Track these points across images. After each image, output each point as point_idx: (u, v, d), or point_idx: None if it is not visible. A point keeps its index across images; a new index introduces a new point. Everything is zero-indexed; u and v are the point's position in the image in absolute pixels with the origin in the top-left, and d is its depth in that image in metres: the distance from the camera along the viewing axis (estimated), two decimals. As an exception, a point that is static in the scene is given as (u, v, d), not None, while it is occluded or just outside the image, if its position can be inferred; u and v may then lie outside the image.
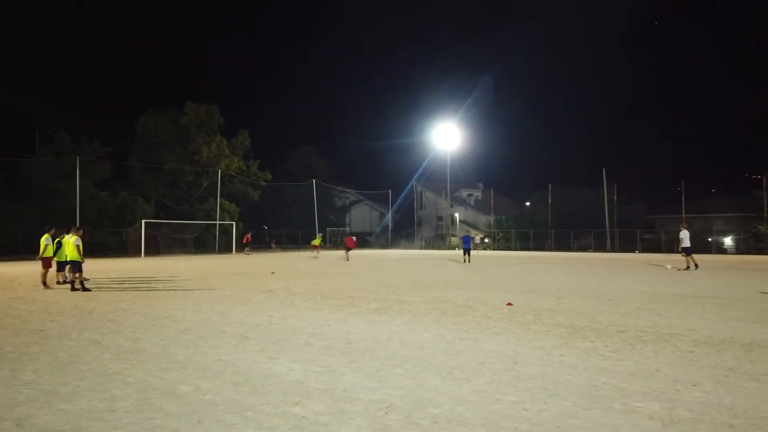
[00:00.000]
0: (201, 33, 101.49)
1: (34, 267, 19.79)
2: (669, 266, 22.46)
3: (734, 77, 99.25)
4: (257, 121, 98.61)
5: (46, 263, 14.40)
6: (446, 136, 56.01)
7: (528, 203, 62.09)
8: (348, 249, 32.54)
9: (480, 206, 71.88)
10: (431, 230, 64.84)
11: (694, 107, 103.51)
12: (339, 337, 7.24)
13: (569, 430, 3.85)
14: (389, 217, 64.61)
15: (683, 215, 46.62)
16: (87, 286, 13.27)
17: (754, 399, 4.52)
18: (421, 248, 52.56)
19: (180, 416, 4.16)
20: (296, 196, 63.45)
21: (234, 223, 45.42)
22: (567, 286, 13.99)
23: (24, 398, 4.65)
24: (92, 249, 34.76)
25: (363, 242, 65.28)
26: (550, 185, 55.14)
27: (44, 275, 14.07)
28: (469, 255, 27.75)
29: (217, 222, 44.52)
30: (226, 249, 44.13)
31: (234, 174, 49.04)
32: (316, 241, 38.00)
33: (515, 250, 52.52)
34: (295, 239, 59.51)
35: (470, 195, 76.71)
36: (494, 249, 54.49)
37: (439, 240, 56.70)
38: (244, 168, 50.15)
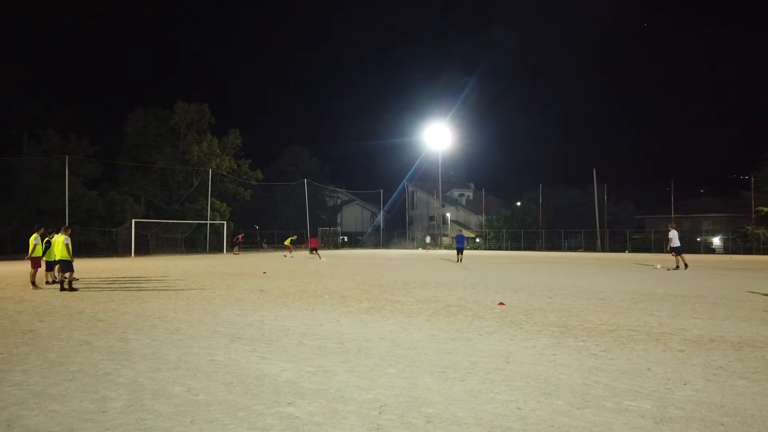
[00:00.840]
0: (193, 33, 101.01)
1: (23, 267, 19.61)
2: (659, 266, 22.63)
3: (723, 78, 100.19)
4: (249, 120, 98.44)
5: (35, 263, 14.27)
6: (437, 136, 56.18)
7: (519, 203, 62.35)
8: (313, 250, 33.25)
9: (471, 206, 72.03)
10: (423, 230, 64.88)
11: (683, 108, 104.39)
12: (332, 336, 7.23)
13: (562, 429, 3.87)
14: (381, 216, 64.61)
15: (672, 215, 47.03)
16: (75, 285, 13.16)
17: (744, 397, 4.56)
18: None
19: (172, 417, 4.13)
20: (288, 196, 63.36)
21: (225, 222, 45.24)
22: (558, 286, 14.06)
23: (14, 399, 4.60)
24: (81, 248, 34.52)
25: (355, 242, 65.29)
26: (540, 185, 55.43)
27: (33, 275, 13.94)
28: (461, 254, 27.94)
29: (208, 222, 44.31)
30: (216, 249, 43.93)
31: (225, 173, 48.83)
32: (288, 241, 38.32)
33: (506, 249, 52.73)
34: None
35: (462, 195, 76.87)
36: (485, 249, 54.65)
37: (431, 240, 56.73)
38: (235, 167, 49.96)
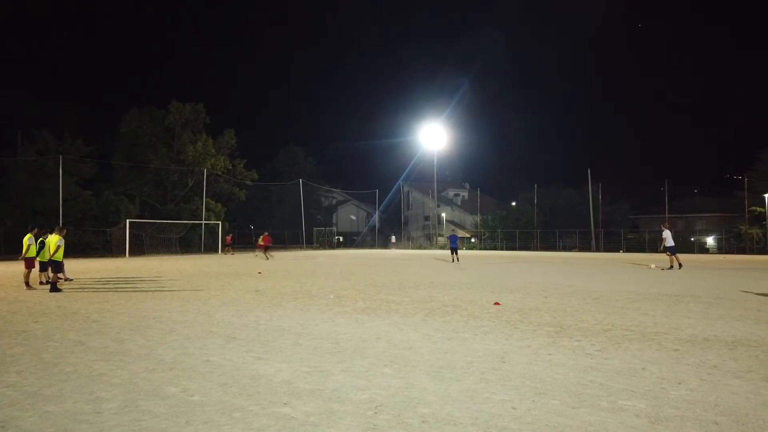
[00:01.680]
0: (188, 33, 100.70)
1: (16, 267, 19.50)
2: (653, 266, 22.71)
3: (718, 79, 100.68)
4: (245, 120, 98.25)
5: (29, 263, 14.20)
6: (433, 137, 56.23)
7: (514, 203, 62.51)
8: (265, 248, 31.65)
9: (466, 206, 72.17)
10: (418, 230, 64.93)
11: (678, 108, 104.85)
12: (327, 337, 7.22)
13: (558, 428, 3.88)
14: (376, 216, 64.61)
15: (666, 215, 47.24)
16: (58, 287, 13.12)
17: (738, 396, 4.58)
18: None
19: (168, 417, 4.12)
20: (283, 196, 63.27)
21: (219, 222, 45.16)
22: (553, 286, 14.09)
23: (8, 400, 4.57)
24: (76, 249, 34.40)
25: (350, 242, 65.26)
26: (535, 185, 55.59)
27: (27, 275, 13.87)
28: (456, 254, 27.97)
29: (203, 222, 44.20)
30: (211, 249, 43.82)
31: (220, 173, 48.71)
32: (262, 240, 37.65)
33: (501, 249, 52.82)
34: (282, 239, 59.27)
35: (457, 195, 77.00)
36: (481, 249, 54.72)
37: (426, 240, 56.79)
38: (230, 167, 49.86)
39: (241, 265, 25.09)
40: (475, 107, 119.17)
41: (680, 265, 20.58)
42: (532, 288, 13.54)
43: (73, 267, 20.83)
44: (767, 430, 3.85)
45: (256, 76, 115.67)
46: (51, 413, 4.25)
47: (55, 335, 7.44)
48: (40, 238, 14.61)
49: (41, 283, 14.45)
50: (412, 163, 64.55)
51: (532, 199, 55.47)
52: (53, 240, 13.23)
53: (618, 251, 46.58)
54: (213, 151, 47.51)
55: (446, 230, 61.72)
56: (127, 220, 36.64)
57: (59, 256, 13.16)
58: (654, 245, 41.66)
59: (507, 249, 52.64)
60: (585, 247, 50.12)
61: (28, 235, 14.52)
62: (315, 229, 59.71)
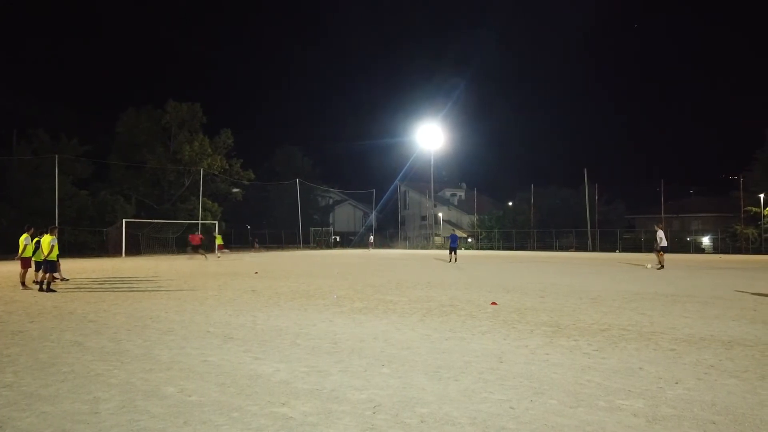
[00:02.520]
0: (187, 33, 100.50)
1: (12, 267, 19.42)
2: (649, 265, 22.78)
3: (714, 78, 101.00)
4: (242, 120, 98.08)
5: (25, 263, 14.16)
6: (429, 136, 56.27)
7: (511, 203, 62.59)
8: (194, 247, 31.01)
9: (463, 206, 72.22)
10: (415, 230, 64.95)
11: (674, 109, 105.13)
12: (325, 336, 7.22)
13: (555, 427, 3.88)
14: (373, 216, 64.61)
15: (662, 215, 47.38)
16: (53, 287, 13.09)
17: (735, 396, 4.60)
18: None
19: (165, 418, 4.11)
20: (280, 196, 63.19)
21: (216, 222, 45.06)
22: (550, 286, 14.11)
23: (5, 401, 4.56)
24: (72, 249, 34.30)
25: (347, 242, 65.22)
26: (532, 185, 55.65)
27: (23, 275, 13.83)
28: (455, 254, 27.91)
29: (199, 221, 44.09)
30: (208, 249, 43.68)
31: (216, 173, 48.62)
32: (219, 240, 36.74)
33: (498, 249, 52.88)
34: (279, 239, 59.24)
35: (453, 195, 77.02)
36: (477, 248, 54.77)
37: (423, 240, 56.81)
38: (227, 167, 49.76)
39: (238, 265, 25.05)
40: (473, 107, 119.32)
41: (661, 266, 20.75)
42: (529, 288, 13.56)
43: (70, 267, 20.75)
44: (764, 429, 3.87)
45: (255, 76, 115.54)
46: (48, 414, 4.23)
47: (51, 335, 7.42)
48: (36, 238, 14.56)
49: (35, 282, 14.39)
50: (409, 162, 64.61)
51: (528, 199, 55.52)
52: (46, 240, 13.24)
53: (614, 251, 46.68)
54: (209, 150, 47.41)
55: (443, 230, 61.77)
56: (124, 220, 36.52)
57: (53, 255, 13.18)
58: (650, 245, 41.75)
59: (504, 249, 52.70)
60: (581, 247, 50.23)
61: (25, 235, 14.47)
62: (312, 228, 59.65)
